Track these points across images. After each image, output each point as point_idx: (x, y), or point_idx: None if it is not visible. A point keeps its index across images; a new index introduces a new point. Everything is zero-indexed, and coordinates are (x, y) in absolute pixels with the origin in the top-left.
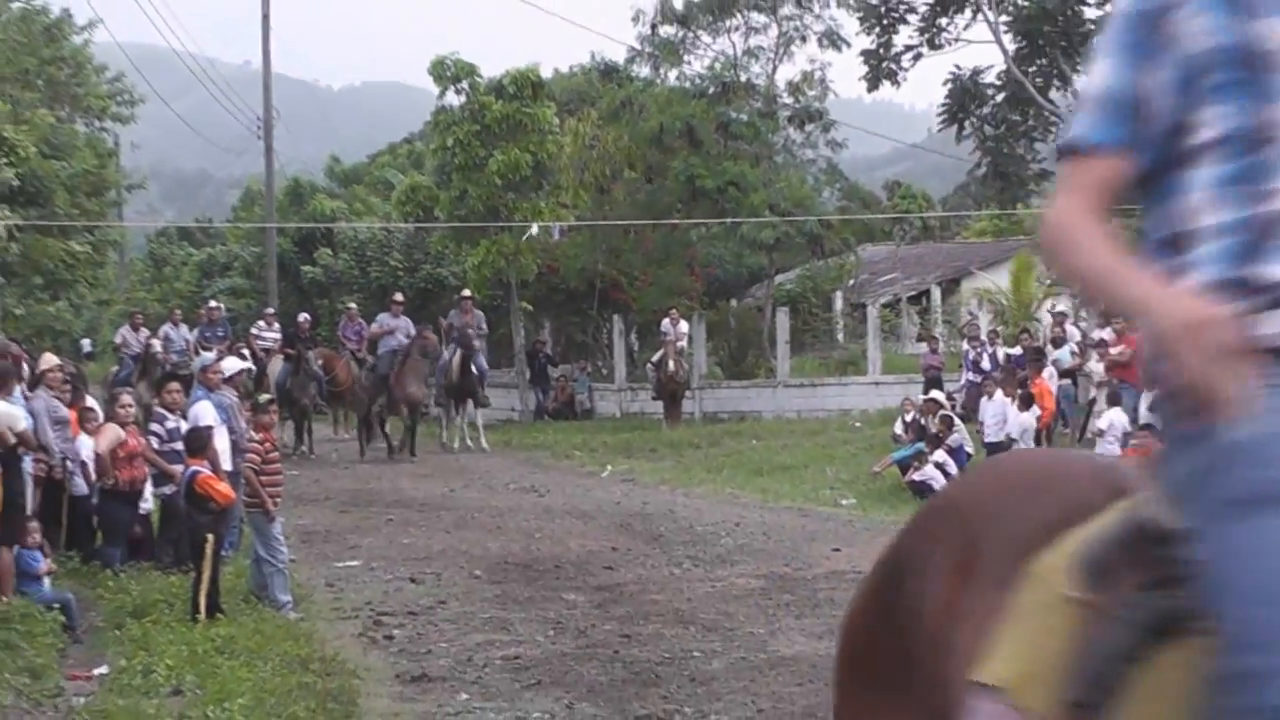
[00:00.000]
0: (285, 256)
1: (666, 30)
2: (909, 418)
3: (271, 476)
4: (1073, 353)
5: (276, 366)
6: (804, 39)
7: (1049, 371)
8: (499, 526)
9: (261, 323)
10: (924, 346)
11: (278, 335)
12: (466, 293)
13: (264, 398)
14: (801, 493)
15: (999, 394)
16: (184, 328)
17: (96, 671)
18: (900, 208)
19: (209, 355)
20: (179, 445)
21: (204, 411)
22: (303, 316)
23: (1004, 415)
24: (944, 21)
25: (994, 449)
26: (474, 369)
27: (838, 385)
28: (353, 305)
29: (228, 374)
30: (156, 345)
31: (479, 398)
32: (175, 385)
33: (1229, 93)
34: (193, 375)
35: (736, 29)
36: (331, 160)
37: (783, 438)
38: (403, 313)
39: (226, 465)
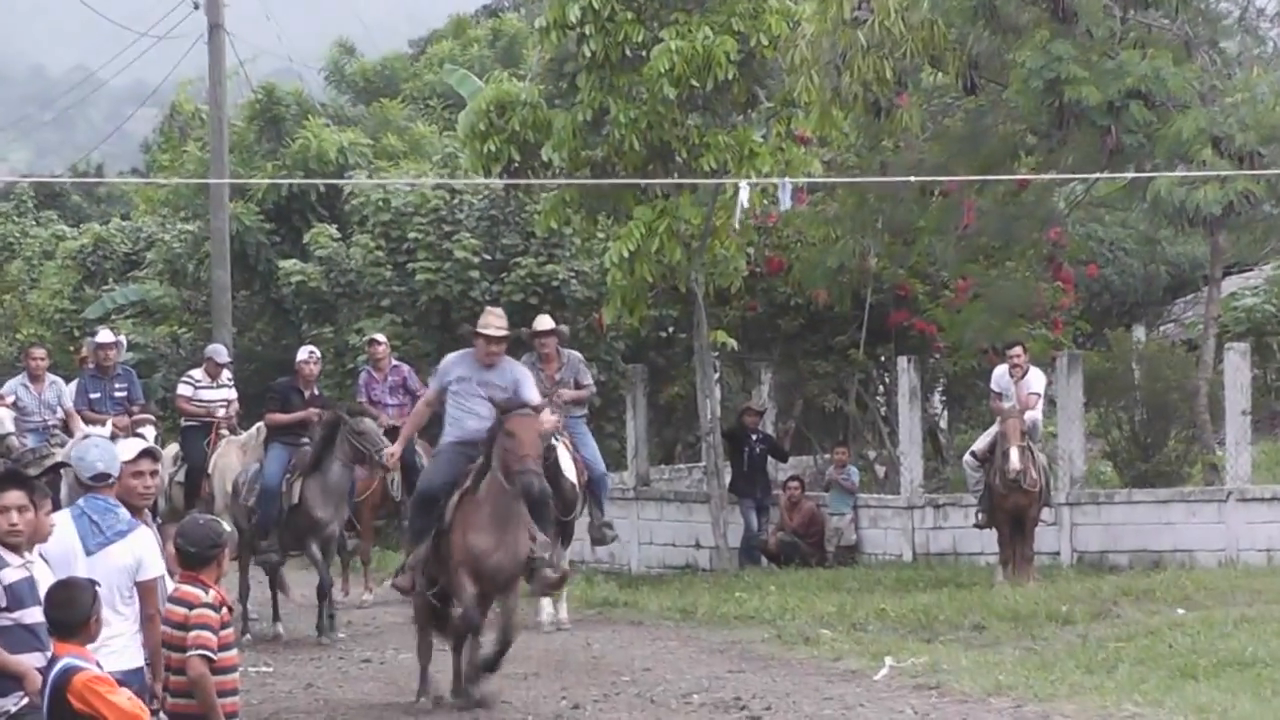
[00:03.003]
0: (248, 241)
1: None
2: None
3: (225, 676)
4: None
5: (234, 456)
6: None
7: None
8: None
9: (197, 373)
10: None
11: (231, 394)
12: (545, 322)
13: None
14: (1278, 714)
15: None
16: (53, 381)
17: None
18: None
19: (97, 438)
20: (32, 617)
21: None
22: (309, 352)
23: None
24: None
25: None
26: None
27: None
28: (380, 338)
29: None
30: (1, 419)
31: (566, 525)
32: (17, 496)
33: None
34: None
35: None
36: (339, 50)
37: (1239, 602)
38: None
39: (123, 660)
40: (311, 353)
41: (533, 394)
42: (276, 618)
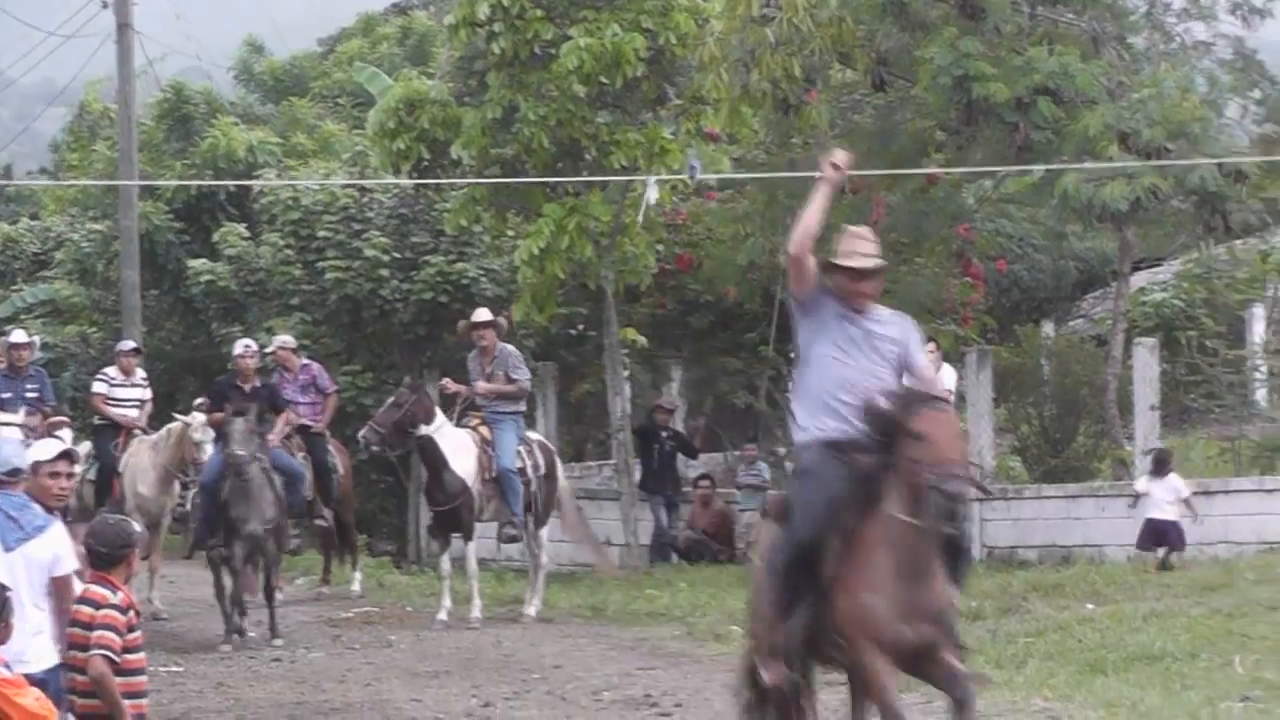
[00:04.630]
0: (157, 240)
1: None
2: None
3: (132, 679)
4: None
5: (145, 456)
6: None
7: None
8: None
9: (112, 370)
10: None
11: (146, 394)
12: (482, 314)
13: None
14: (1186, 707)
15: None
16: None
17: None
18: None
19: (5, 432)
20: None
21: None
22: (244, 345)
23: None
24: None
25: None
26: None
27: (1260, 493)
28: (286, 338)
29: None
30: None
31: (463, 523)
32: None
33: None
34: None
35: None
36: (248, 49)
37: (1148, 597)
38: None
39: (42, 659)
40: (247, 346)
41: (925, 360)
42: (243, 613)
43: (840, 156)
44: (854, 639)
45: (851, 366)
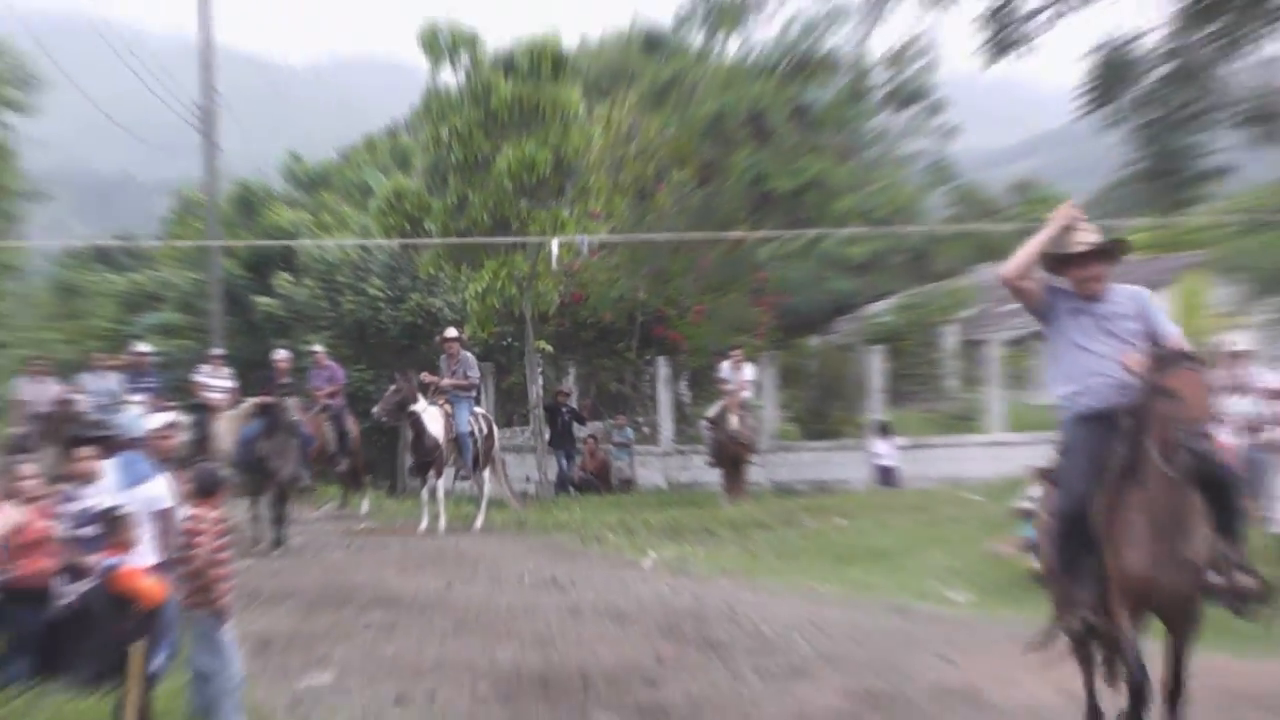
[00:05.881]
0: (232, 284)
1: None
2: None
3: (223, 569)
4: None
5: (226, 425)
6: None
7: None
8: (510, 631)
9: (207, 367)
10: None
11: (228, 383)
12: (451, 332)
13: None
14: (900, 585)
15: None
16: (113, 376)
17: None
18: (1031, 216)
19: (130, 414)
20: (93, 529)
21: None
22: (282, 353)
23: None
24: None
25: None
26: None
27: (948, 446)
28: (319, 346)
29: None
30: (84, 401)
31: (437, 469)
32: (87, 450)
33: None
34: (120, 437)
35: None
36: (291, 158)
37: (876, 514)
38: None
39: (146, 559)
40: (286, 355)
41: (1170, 327)
42: (276, 539)
43: (1068, 208)
44: (1113, 592)
45: (1092, 353)
